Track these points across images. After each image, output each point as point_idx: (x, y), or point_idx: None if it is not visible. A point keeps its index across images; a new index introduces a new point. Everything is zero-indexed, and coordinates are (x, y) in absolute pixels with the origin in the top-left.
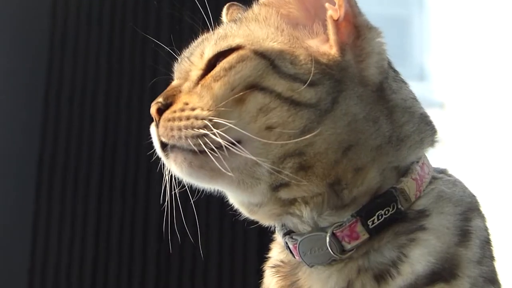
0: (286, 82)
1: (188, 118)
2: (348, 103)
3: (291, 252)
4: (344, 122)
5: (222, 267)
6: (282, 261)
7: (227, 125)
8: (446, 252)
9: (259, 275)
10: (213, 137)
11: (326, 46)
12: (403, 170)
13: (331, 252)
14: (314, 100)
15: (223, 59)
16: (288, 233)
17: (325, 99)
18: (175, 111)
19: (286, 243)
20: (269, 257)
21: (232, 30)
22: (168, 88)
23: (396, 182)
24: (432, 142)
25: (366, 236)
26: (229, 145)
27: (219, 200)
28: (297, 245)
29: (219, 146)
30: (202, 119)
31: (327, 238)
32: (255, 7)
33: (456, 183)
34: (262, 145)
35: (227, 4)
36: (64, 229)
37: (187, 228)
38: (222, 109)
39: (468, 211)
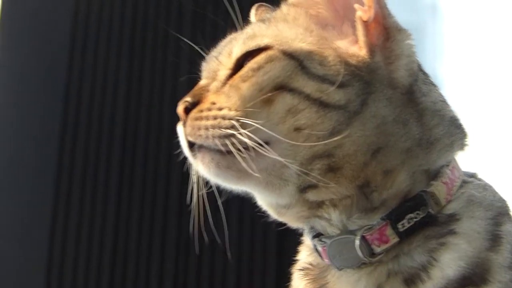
0: (315, 83)
1: (215, 117)
2: (377, 105)
3: (320, 255)
4: (373, 124)
5: (240, 268)
6: (311, 264)
7: (254, 125)
8: (477, 257)
9: (278, 276)
10: (240, 137)
11: (355, 48)
12: (433, 173)
13: (361, 255)
14: (343, 102)
15: (251, 59)
16: (317, 235)
17: (354, 101)
18: (202, 110)
19: (315, 245)
20: (298, 260)
21: (260, 29)
22: (196, 88)
23: (426, 185)
24: (462, 146)
25: (396, 239)
26: (256, 146)
27: (239, 201)
28: (326, 248)
29: (246, 147)
30: (229, 119)
31: (357, 241)
32: (283, 7)
33: (486, 187)
34: (290, 147)
35: (256, 5)
36: (82, 232)
37: (214, 229)
38: (250, 109)
39: (498, 216)
